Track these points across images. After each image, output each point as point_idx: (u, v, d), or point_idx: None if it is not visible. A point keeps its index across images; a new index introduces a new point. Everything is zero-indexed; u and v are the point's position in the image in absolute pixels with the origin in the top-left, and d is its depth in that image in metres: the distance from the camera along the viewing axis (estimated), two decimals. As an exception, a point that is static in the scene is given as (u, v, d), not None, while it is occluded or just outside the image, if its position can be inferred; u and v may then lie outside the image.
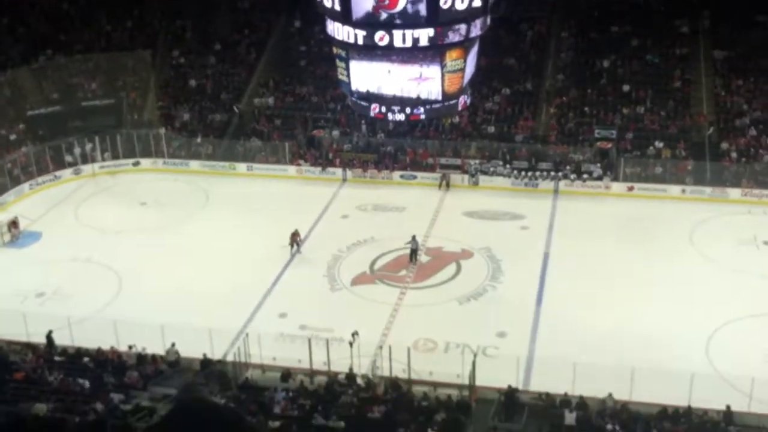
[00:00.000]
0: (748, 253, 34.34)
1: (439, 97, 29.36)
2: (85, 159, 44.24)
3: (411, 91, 29.24)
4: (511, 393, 24.62)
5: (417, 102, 29.48)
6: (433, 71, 28.53)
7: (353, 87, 30.24)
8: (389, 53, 28.16)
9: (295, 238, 34.85)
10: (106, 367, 26.58)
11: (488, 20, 28.46)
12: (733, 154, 40.62)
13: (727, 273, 32.51)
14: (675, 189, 39.90)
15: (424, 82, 29.01)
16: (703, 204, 38.90)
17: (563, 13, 48.79)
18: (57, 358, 27.22)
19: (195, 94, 48.63)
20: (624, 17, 47.75)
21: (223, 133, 46.14)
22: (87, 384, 25.07)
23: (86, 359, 26.89)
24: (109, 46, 49.94)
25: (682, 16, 47.11)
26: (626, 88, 44.64)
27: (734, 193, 39.21)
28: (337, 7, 27.18)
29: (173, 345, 27.12)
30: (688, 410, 23.73)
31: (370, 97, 29.97)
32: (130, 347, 27.41)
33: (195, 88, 48.81)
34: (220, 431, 2.44)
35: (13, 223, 37.08)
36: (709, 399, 23.90)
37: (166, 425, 2.50)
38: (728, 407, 23.53)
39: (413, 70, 28.80)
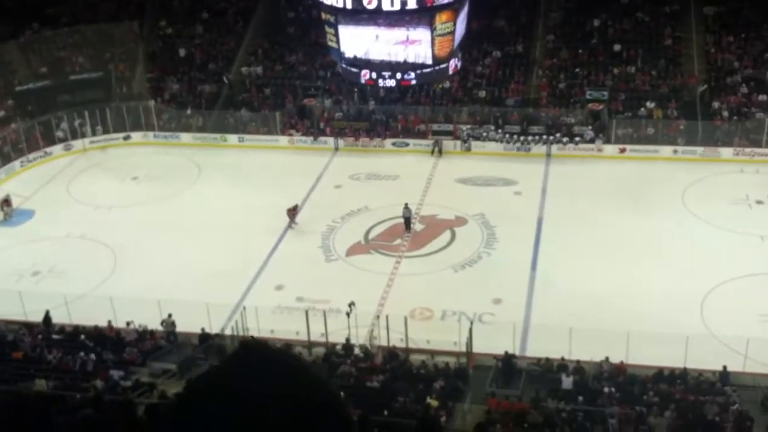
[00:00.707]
0: (741, 212, 34.45)
1: (430, 61, 29.15)
2: (75, 134, 43.97)
3: (399, 54, 29.01)
4: (508, 359, 24.85)
5: (406, 66, 29.28)
6: (422, 34, 28.29)
7: (343, 53, 29.99)
8: (377, 17, 27.89)
9: (292, 213, 34.78)
10: (105, 344, 26.72)
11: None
12: (725, 113, 40.56)
13: (720, 233, 32.63)
14: (667, 149, 39.90)
15: (411, 45, 28.77)
16: (695, 164, 38.93)
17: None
18: (55, 336, 27.36)
19: (184, 64, 48.26)
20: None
21: (213, 104, 45.86)
22: (93, 357, 25.20)
23: (83, 337, 27.01)
24: (96, 18, 49.36)
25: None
26: (617, 47, 44.42)
27: (726, 152, 39.21)
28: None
29: (170, 315, 27.28)
30: (684, 372, 24.03)
31: (359, 63, 29.75)
32: (128, 323, 27.53)
33: (184, 58, 48.41)
34: (283, 381, 2.35)
35: (6, 201, 36.94)
36: (705, 360, 24.20)
37: (222, 375, 2.36)
38: (724, 368, 23.82)
39: (400, 33, 28.55)
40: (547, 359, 25.09)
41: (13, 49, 46.55)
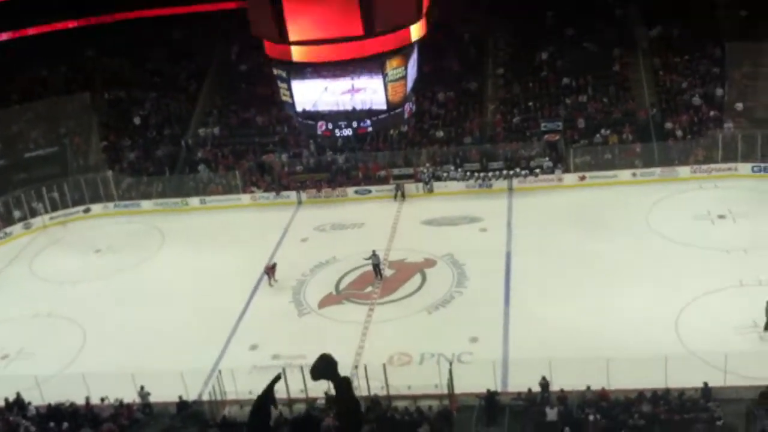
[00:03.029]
0: (705, 228, 34.86)
1: (384, 107, 29.29)
2: (35, 212, 43.45)
3: (350, 103, 29.10)
4: (490, 396, 24.64)
5: (362, 114, 29.34)
6: (373, 82, 28.42)
7: (298, 107, 30.04)
8: (327, 68, 27.97)
9: (271, 270, 34.59)
10: (82, 422, 26.07)
11: (424, 26, 28.48)
12: (678, 132, 41.22)
13: (687, 250, 32.92)
14: (626, 173, 40.41)
15: (363, 93, 28.88)
16: (655, 185, 39.42)
17: (497, 11, 48.87)
18: (26, 421, 26.62)
19: (139, 130, 48.10)
20: (556, 6, 48.17)
21: (171, 167, 45.66)
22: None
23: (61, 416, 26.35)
24: (46, 92, 49.14)
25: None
26: (566, 80, 45.10)
27: (684, 170, 39.80)
28: (273, 29, 26.89)
29: (142, 388, 26.79)
30: (667, 391, 23.94)
31: (313, 116, 29.79)
32: (102, 399, 26.92)
33: (138, 125, 48.26)
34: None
35: (-32, 285, 36.32)
36: (686, 378, 24.14)
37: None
38: (705, 384, 23.77)
39: (352, 82, 28.68)
40: (530, 391, 24.94)
41: (-35, 130, 46.12)
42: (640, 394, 23.95)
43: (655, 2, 46.18)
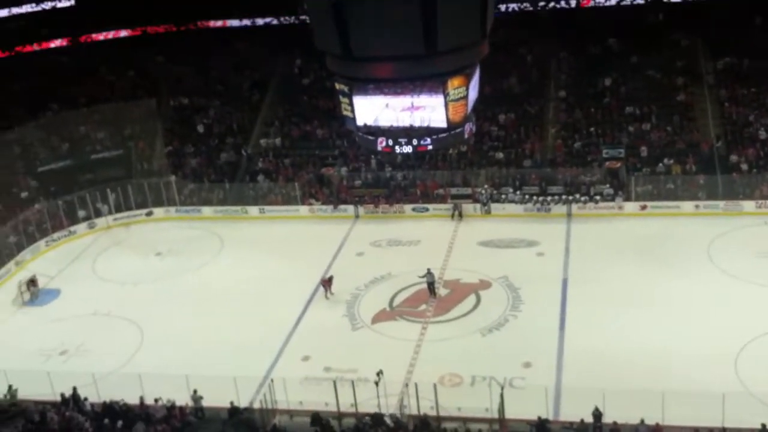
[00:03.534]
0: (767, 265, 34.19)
1: (442, 125, 29.36)
2: (99, 212, 44.48)
3: (405, 120, 29.21)
4: (541, 424, 24.46)
5: (422, 132, 29.43)
6: (433, 100, 28.52)
7: (359, 122, 30.28)
8: (387, 85, 28.14)
9: (327, 283, 34.88)
10: (135, 421, 26.53)
11: (487, 46, 28.53)
12: (744, 166, 40.56)
13: (749, 287, 32.29)
14: (688, 205, 39.84)
15: (423, 111, 28.97)
16: (718, 218, 38.78)
17: (560, 32, 48.75)
18: (82, 417, 27.18)
19: (201, 138, 48.93)
20: (621, 33, 47.83)
21: (232, 175, 46.36)
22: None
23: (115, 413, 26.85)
24: (113, 97, 50.33)
25: (679, 26, 47.15)
26: (630, 108, 44.71)
27: (748, 205, 39.08)
28: (337, 45, 27.18)
29: (195, 392, 27.16)
30: (722, 431, 23.52)
31: (374, 131, 29.99)
32: (156, 400, 27.36)
33: (201, 133, 49.09)
34: None
35: (32, 282, 37.26)
36: (743, 418, 23.66)
37: None
38: (764, 426, 23.28)
39: (407, 100, 28.86)
40: (582, 421, 24.68)
41: (34, 130, 47.37)
42: None
43: (722, 34, 45.62)
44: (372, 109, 29.35)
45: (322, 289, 35.00)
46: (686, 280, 33.23)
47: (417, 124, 28.92)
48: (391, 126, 29.18)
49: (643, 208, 40.30)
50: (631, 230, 38.66)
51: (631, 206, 40.47)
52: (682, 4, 45.52)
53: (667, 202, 40.22)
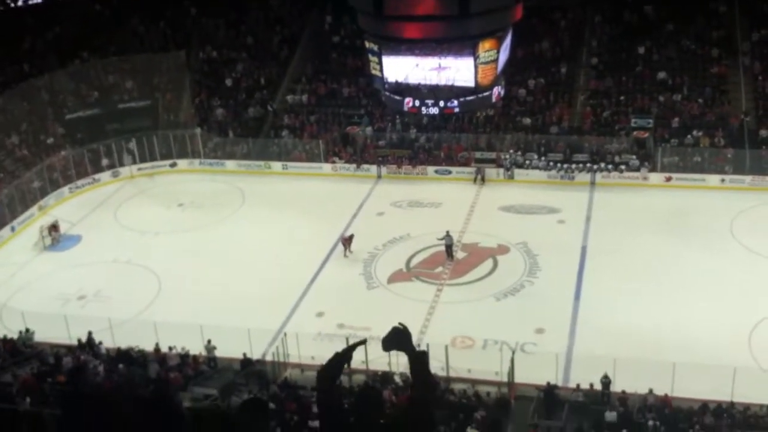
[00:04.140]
0: (791, 242, 33.74)
1: (468, 86, 29.05)
2: (123, 161, 44.79)
3: (432, 79, 28.93)
4: (550, 389, 24.51)
5: (450, 94, 29.17)
6: (460, 62, 28.23)
7: (386, 81, 30.06)
8: (417, 46, 27.88)
9: (348, 241, 34.95)
10: (148, 366, 26.93)
11: (521, 10, 28.11)
12: (773, 141, 39.91)
13: (769, 264, 31.98)
14: (714, 178, 39.29)
15: (443, 71, 28.68)
16: (744, 193, 38.24)
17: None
18: (96, 360, 27.60)
19: (229, 92, 48.91)
20: (658, 0, 46.91)
21: (257, 130, 46.39)
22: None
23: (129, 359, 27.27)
24: (143, 48, 50.34)
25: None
26: (662, 75, 43.97)
27: (775, 181, 38.56)
28: (369, 2, 26.92)
29: (209, 342, 27.52)
30: (731, 405, 23.44)
31: (402, 90, 29.76)
32: (170, 348, 27.74)
33: (229, 86, 49.06)
34: None
35: (54, 227, 37.67)
36: (752, 394, 23.57)
37: None
38: (772, 402, 23.21)
39: (436, 61, 28.56)
40: (591, 387, 24.69)
41: (63, 78, 47.57)
42: (704, 405, 23.51)
43: (760, 5, 44.56)
44: (401, 68, 29.18)
45: (341, 246, 35.10)
46: (706, 254, 32.89)
47: (442, 83, 28.73)
48: (419, 84, 29.02)
49: (668, 179, 39.79)
50: (655, 202, 38.23)
51: (656, 177, 39.98)
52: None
53: (693, 174, 39.67)
